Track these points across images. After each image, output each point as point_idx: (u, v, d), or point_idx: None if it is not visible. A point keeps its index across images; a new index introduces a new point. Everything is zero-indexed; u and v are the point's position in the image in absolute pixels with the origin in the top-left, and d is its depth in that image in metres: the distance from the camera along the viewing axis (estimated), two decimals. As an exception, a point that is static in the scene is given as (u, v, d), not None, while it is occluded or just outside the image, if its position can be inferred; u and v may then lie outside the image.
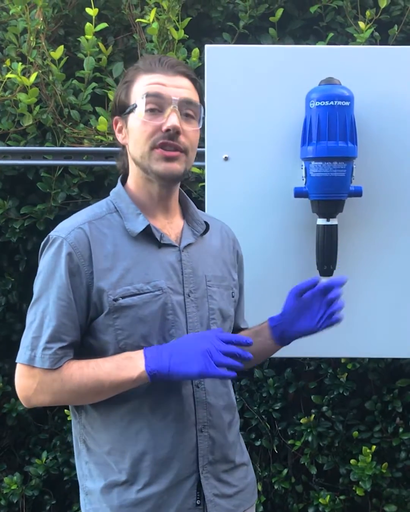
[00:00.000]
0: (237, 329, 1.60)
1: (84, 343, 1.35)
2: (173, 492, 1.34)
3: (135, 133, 1.34)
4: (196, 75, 1.40)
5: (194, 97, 1.35)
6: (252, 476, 1.53)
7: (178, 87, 1.32)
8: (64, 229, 1.34)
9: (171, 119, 1.30)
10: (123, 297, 1.30)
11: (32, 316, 1.33)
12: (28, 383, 1.31)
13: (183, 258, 1.38)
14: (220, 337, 1.28)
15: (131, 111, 1.34)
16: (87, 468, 1.39)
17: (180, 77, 1.34)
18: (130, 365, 1.27)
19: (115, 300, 1.30)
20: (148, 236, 1.36)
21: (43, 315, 1.31)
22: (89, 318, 1.33)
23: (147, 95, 1.31)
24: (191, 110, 1.34)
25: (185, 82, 1.34)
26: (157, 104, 1.31)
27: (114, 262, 1.32)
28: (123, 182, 1.44)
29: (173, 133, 1.30)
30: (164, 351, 1.27)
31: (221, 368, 1.25)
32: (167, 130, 1.29)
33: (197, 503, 1.36)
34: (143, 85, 1.33)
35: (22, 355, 1.32)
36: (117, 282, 1.31)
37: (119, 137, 1.41)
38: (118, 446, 1.34)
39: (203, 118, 1.39)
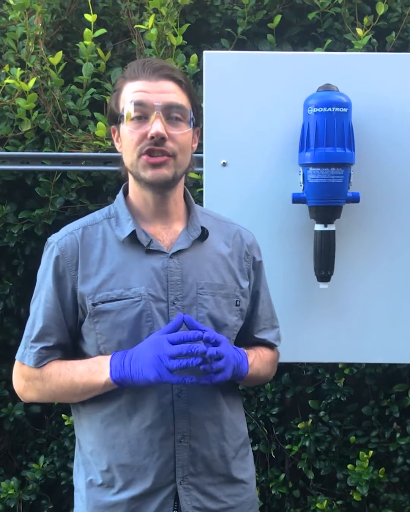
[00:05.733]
0: (251, 340, 1.51)
1: (76, 345, 1.39)
2: (148, 499, 1.33)
3: (124, 142, 1.35)
4: (184, 76, 1.37)
5: (180, 99, 1.33)
6: (249, 495, 1.45)
7: (162, 92, 1.31)
8: (59, 233, 1.40)
9: (155, 126, 1.29)
10: (102, 302, 1.33)
11: (30, 315, 1.40)
12: (19, 379, 1.40)
13: (171, 265, 1.36)
14: (168, 338, 1.24)
15: (120, 120, 1.35)
16: (77, 466, 1.43)
17: (163, 80, 1.32)
18: (99, 370, 1.30)
19: (94, 304, 1.33)
20: (136, 241, 1.36)
21: (35, 315, 1.38)
22: (78, 321, 1.36)
23: (131, 103, 1.31)
24: (178, 113, 1.32)
25: (169, 85, 1.32)
26: (141, 112, 1.31)
27: (99, 267, 1.35)
28: (127, 188, 1.45)
29: (158, 140, 1.29)
30: (126, 359, 1.27)
31: (178, 374, 1.22)
32: (152, 137, 1.29)
33: None
34: (128, 93, 1.33)
35: (18, 351, 1.39)
36: (99, 287, 1.33)
37: (117, 146, 1.42)
38: (98, 448, 1.36)
39: (193, 119, 1.36)
